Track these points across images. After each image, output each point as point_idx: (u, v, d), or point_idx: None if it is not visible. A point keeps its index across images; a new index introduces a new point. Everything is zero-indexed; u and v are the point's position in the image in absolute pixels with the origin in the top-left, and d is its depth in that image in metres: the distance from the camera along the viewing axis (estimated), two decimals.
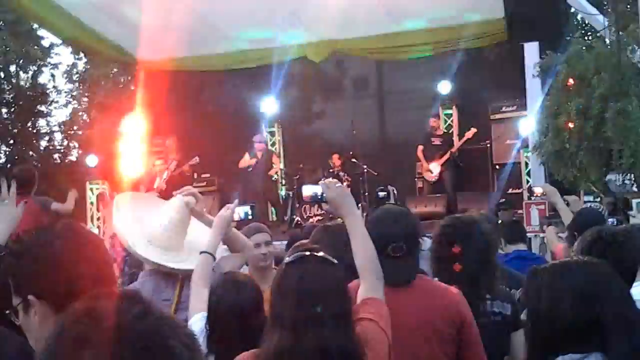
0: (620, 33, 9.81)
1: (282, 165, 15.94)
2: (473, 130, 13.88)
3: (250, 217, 3.87)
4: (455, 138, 14.86)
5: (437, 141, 14.08)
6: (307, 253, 2.54)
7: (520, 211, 11.56)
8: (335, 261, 2.53)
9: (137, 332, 1.19)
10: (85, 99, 17.35)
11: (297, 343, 2.35)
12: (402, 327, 2.84)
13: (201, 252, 3.53)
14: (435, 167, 13.90)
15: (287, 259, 2.54)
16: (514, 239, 5.92)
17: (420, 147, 14.11)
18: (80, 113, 17.49)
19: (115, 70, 16.93)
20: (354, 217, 2.92)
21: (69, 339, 1.20)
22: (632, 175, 9.77)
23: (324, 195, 2.96)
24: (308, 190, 3.13)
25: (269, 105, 16.08)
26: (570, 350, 2.36)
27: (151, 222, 3.85)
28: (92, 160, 14.78)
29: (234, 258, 3.98)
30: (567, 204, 6.61)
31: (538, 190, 8.43)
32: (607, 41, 10.52)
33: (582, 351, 2.34)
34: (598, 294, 2.37)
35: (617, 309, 2.36)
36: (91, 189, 14.96)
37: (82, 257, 2.02)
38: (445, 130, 15.02)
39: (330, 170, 14.58)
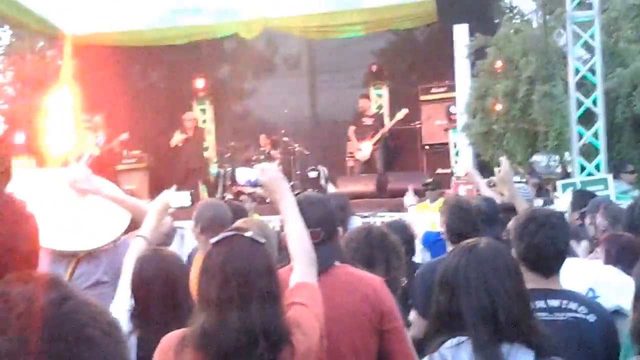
0: (548, 17, 10.01)
1: (213, 143, 15.84)
2: (404, 111, 13.95)
3: (190, 203, 3.81)
4: (386, 118, 14.98)
5: (368, 121, 14.13)
6: (233, 233, 2.52)
7: (448, 191, 11.73)
8: (263, 241, 2.51)
9: (52, 318, 1.12)
10: (11, 73, 16.81)
11: (222, 323, 2.33)
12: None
13: (137, 236, 3.48)
14: (366, 147, 13.97)
15: (212, 240, 2.51)
16: None
17: (352, 128, 14.15)
18: (5, 87, 16.93)
19: (41, 43, 16.44)
20: (287, 202, 2.88)
21: None
22: (557, 157, 10.02)
23: (258, 179, 2.91)
24: (242, 175, 3.09)
25: (199, 82, 15.93)
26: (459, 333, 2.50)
27: (46, 201, 3.73)
28: (18, 136, 14.36)
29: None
30: (493, 185, 6.77)
31: (460, 171, 8.57)
32: (535, 24, 10.73)
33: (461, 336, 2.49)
34: (495, 282, 2.53)
35: (509, 301, 2.51)
36: (17, 165, 14.54)
37: (17, 241, 1.80)
38: (377, 110, 15.10)
39: (261, 149, 14.54)
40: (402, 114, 13.96)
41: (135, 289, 3.16)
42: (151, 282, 3.14)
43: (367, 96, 14.84)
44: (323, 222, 3.13)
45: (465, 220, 4.60)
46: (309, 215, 3.01)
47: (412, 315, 4.34)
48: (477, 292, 2.49)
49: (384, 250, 3.88)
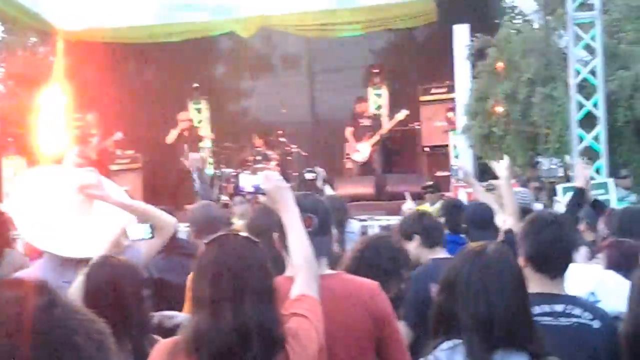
0: (549, 17, 9.86)
1: (209, 144, 15.65)
2: (405, 112, 13.74)
3: (150, 236, 3.60)
4: (385, 119, 14.76)
5: (366, 122, 13.96)
6: (226, 233, 2.54)
7: (447, 193, 11.57)
8: (257, 240, 2.48)
9: (40, 324, 1.12)
10: (1, 69, 16.68)
11: (215, 321, 2.28)
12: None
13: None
14: (364, 148, 13.80)
15: (205, 240, 2.49)
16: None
17: (350, 129, 13.97)
18: None
19: (33, 40, 16.30)
20: (290, 212, 2.82)
21: None
22: (560, 160, 9.89)
23: (262, 187, 2.86)
24: (246, 181, 2.96)
25: (195, 80, 15.75)
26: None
27: (52, 204, 3.69)
28: (8, 135, 14.16)
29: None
30: (493, 188, 6.65)
31: (457, 164, 8.61)
32: (536, 25, 10.58)
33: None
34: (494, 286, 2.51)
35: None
36: (6, 165, 14.37)
37: None
38: (376, 111, 14.90)
39: (257, 149, 14.34)
40: (402, 114, 13.75)
41: (84, 299, 2.99)
42: (99, 292, 3.01)
43: (363, 99, 14.63)
44: (316, 210, 3.07)
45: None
46: (302, 202, 2.97)
47: (400, 325, 4.23)
48: (476, 299, 2.47)
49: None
